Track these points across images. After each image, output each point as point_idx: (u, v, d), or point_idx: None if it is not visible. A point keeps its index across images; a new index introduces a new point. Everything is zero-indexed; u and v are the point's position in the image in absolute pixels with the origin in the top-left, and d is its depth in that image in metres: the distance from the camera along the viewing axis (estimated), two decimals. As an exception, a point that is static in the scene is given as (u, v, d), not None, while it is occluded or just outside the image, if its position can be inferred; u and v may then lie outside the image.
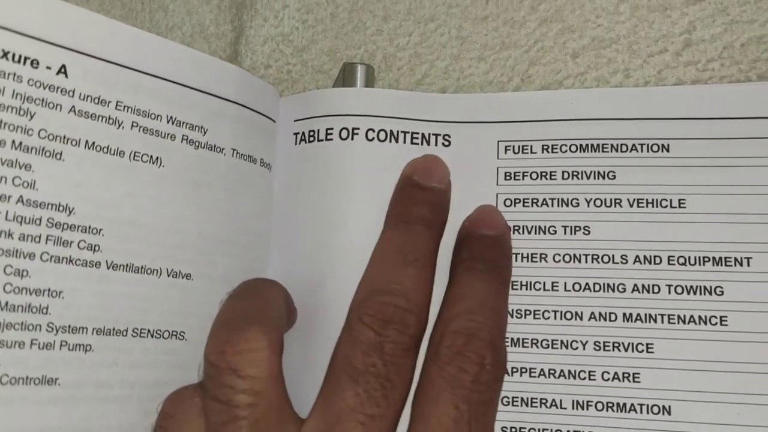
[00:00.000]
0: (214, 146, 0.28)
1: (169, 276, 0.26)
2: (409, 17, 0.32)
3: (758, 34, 0.29)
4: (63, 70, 0.24)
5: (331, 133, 0.29)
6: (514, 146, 0.28)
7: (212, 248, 0.27)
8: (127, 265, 0.25)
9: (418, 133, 0.28)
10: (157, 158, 0.26)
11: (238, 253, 0.28)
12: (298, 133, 0.30)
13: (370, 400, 0.22)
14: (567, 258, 0.27)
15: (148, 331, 0.25)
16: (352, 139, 0.28)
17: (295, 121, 0.30)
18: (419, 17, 0.32)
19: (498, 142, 0.28)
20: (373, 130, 0.28)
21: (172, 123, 0.27)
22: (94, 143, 0.25)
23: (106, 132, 0.25)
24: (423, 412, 0.22)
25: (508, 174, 0.28)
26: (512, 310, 0.27)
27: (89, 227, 0.24)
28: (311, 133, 0.29)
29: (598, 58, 0.30)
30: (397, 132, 0.28)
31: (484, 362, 0.22)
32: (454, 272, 0.26)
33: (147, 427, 0.25)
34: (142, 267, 0.25)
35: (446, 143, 0.28)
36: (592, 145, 0.28)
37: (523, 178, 0.28)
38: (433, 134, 0.28)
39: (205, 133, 0.27)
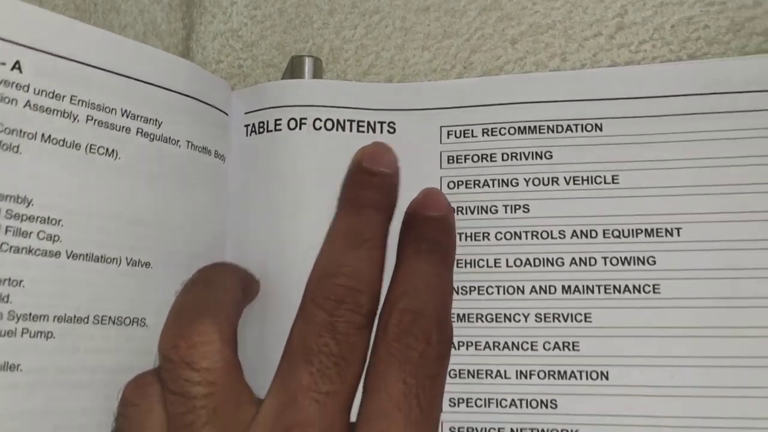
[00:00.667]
0: (169, 138, 0.29)
1: (128, 264, 0.27)
2: (354, 10, 0.33)
3: (687, 15, 0.30)
4: (17, 66, 0.25)
5: (279, 124, 0.30)
6: (455, 131, 0.29)
7: (170, 237, 0.28)
8: (86, 255, 0.26)
9: (363, 122, 0.29)
10: (113, 150, 0.27)
11: (195, 242, 0.29)
12: (249, 125, 0.31)
13: (324, 378, 0.22)
14: (508, 236, 0.28)
15: (109, 318, 0.26)
16: (300, 129, 0.30)
17: (245, 113, 0.31)
18: (364, 10, 0.33)
19: (441, 127, 0.29)
20: (320, 120, 0.30)
21: (127, 116, 0.27)
22: (50, 136, 0.26)
23: (61, 125, 0.26)
24: (373, 386, 0.23)
25: (450, 157, 0.29)
26: (457, 286, 0.28)
27: (48, 218, 0.25)
28: (261, 125, 0.30)
29: (536, 44, 0.31)
30: (344, 121, 0.29)
31: (431, 339, 0.23)
32: (401, 254, 0.26)
33: (109, 411, 0.26)
34: (101, 256, 0.26)
35: (391, 130, 0.29)
36: (530, 127, 0.29)
37: (465, 161, 0.29)
38: (378, 122, 0.29)
39: (159, 125, 0.28)
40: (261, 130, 0.30)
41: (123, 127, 0.27)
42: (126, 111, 0.27)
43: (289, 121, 0.30)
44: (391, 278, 0.26)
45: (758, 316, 0.26)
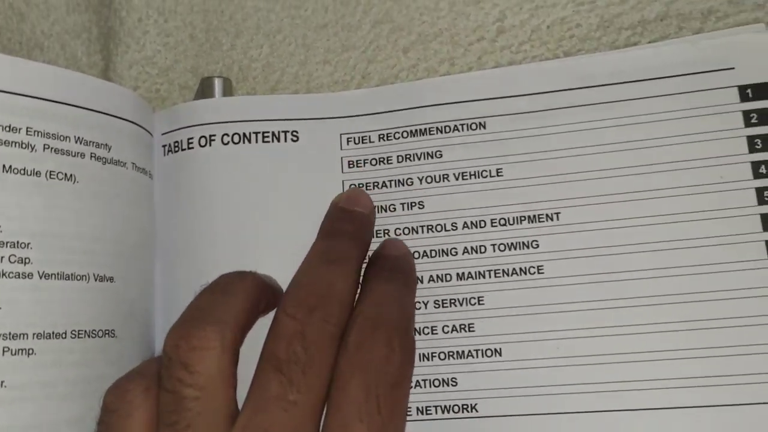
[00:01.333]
0: (118, 161, 0.31)
1: (96, 280, 0.29)
2: (258, 31, 0.36)
3: (560, 16, 0.33)
4: (-27, 104, 0.27)
5: (191, 142, 0.32)
6: (354, 138, 0.32)
7: (128, 253, 0.30)
8: (57, 274, 0.28)
9: (268, 132, 0.32)
10: (71, 175, 0.29)
11: (147, 257, 0.32)
12: (166, 145, 0.33)
13: (293, 387, 0.23)
14: (406, 231, 0.31)
15: (85, 331, 0.28)
16: (210, 145, 0.32)
17: (162, 134, 0.33)
18: (268, 30, 0.36)
19: (341, 135, 0.32)
20: (228, 135, 0.32)
21: (80, 143, 0.30)
22: (11, 167, 0.28)
23: (20, 156, 0.28)
24: (336, 399, 0.23)
25: (351, 162, 0.32)
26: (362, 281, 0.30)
27: (17, 242, 0.27)
28: (176, 144, 0.33)
29: (426, 51, 0.34)
30: (249, 133, 0.32)
31: (393, 344, 0.23)
32: (364, 283, 0.27)
33: (93, 419, 0.27)
34: (71, 274, 0.28)
35: (294, 138, 0.32)
36: (421, 130, 0.31)
37: (364, 165, 0.31)
38: (282, 131, 0.32)
39: (109, 149, 0.30)
40: (176, 149, 0.33)
41: (78, 153, 0.29)
42: (78, 138, 0.30)
43: (199, 138, 0.32)
44: (355, 302, 0.26)
45: (632, 288, 0.29)
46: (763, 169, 0.29)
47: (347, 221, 0.28)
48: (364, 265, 0.28)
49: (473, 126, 0.31)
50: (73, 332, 0.28)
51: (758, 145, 0.29)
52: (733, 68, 0.30)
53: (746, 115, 0.29)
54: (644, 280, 0.29)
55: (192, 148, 0.32)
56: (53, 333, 0.27)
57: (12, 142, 0.28)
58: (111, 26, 0.37)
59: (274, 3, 0.36)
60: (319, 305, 0.24)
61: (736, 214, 0.29)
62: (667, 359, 0.28)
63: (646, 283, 0.29)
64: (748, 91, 0.29)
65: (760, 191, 0.29)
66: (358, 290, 0.27)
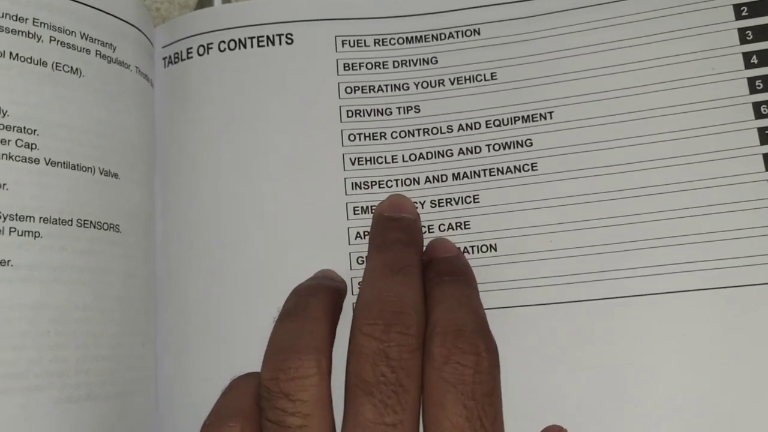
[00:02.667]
0: (123, 62, 0.31)
1: (101, 174, 0.30)
2: (258, -48, 0.36)
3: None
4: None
5: (191, 52, 0.33)
6: (350, 41, 0.32)
7: (131, 154, 0.31)
8: (63, 163, 0.28)
9: (263, 36, 0.33)
10: (77, 69, 0.30)
11: (149, 161, 0.32)
12: (166, 57, 0.34)
13: (387, 409, 0.23)
14: (402, 134, 0.31)
15: (91, 222, 0.29)
16: (208, 53, 0.33)
17: (162, 47, 0.34)
18: (267, -49, 0.36)
19: (335, 37, 0.32)
20: (224, 42, 0.33)
21: (86, 39, 0.30)
22: (18, 54, 0.28)
23: (27, 45, 0.28)
24: (434, 417, 0.23)
25: (346, 65, 0.32)
26: (360, 182, 0.31)
27: (24, 128, 0.28)
28: (175, 55, 0.33)
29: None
30: (245, 39, 0.33)
31: (479, 351, 0.23)
32: (426, 292, 0.26)
33: (101, 309, 0.28)
34: (77, 164, 0.29)
35: (289, 41, 0.32)
36: (416, 37, 0.32)
37: (359, 69, 0.32)
38: (277, 35, 0.32)
39: (114, 50, 0.31)
40: (176, 60, 0.33)
41: (83, 48, 0.30)
42: (84, 34, 0.30)
43: (198, 48, 0.33)
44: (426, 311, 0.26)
45: (623, 181, 0.29)
46: (754, 60, 0.30)
47: (398, 230, 0.28)
48: None
49: (467, 32, 0.32)
50: (79, 221, 0.28)
51: (749, 37, 0.30)
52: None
53: (737, 8, 0.30)
54: (634, 172, 0.29)
55: (191, 57, 0.33)
56: (59, 219, 0.28)
57: (19, 30, 0.28)
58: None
59: (272, -75, 0.36)
60: (394, 319, 0.24)
61: (729, 104, 0.29)
62: (657, 246, 0.29)
63: (636, 175, 0.29)
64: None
65: (751, 81, 0.30)
66: None
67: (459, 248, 0.29)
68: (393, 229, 0.28)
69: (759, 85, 0.29)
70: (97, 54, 0.30)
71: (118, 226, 0.30)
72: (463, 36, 0.32)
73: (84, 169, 0.29)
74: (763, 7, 0.30)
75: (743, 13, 0.30)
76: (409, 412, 0.23)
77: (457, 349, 0.23)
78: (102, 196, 0.29)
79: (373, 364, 0.23)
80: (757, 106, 0.29)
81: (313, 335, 0.25)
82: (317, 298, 0.27)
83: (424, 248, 0.29)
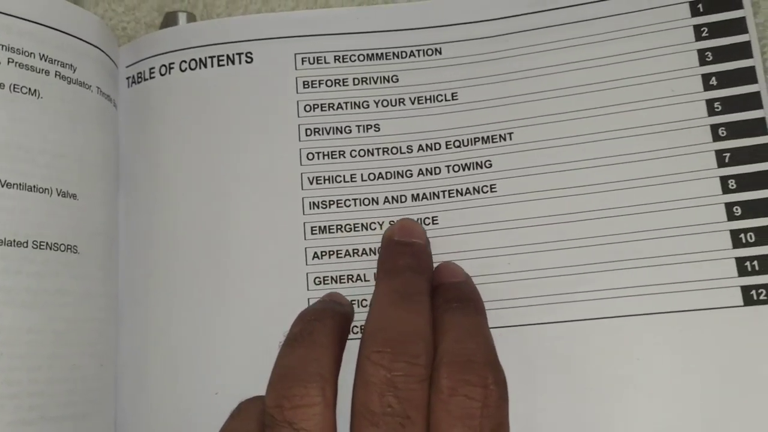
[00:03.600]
0: (83, 83, 0.31)
1: (58, 195, 0.29)
2: (223, -31, 0.36)
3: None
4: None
5: (153, 72, 0.33)
6: (309, 58, 0.32)
7: (91, 173, 0.31)
8: (20, 184, 0.28)
9: (223, 56, 0.32)
10: (35, 90, 0.29)
11: (111, 180, 0.32)
12: (129, 77, 0.33)
13: None
14: (362, 153, 0.31)
15: (47, 244, 0.28)
16: (170, 73, 0.32)
17: (126, 67, 0.34)
18: (232, -32, 0.36)
19: (295, 54, 0.32)
20: (186, 62, 0.32)
21: (45, 60, 0.30)
22: None
23: None
24: None
25: (306, 83, 0.32)
26: (318, 201, 0.31)
27: None
28: (138, 75, 0.33)
29: (386, -15, 0.34)
30: (205, 58, 0.32)
31: (488, 383, 0.23)
32: (435, 318, 0.26)
33: (54, 332, 0.28)
34: (34, 186, 0.28)
35: (249, 60, 0.32)
36: (377, 54, 0.32)
37: (319, 86, 0.32)
38: (237, 53, 0.32)
39: (74, 70, 0.31)
40: (139, 80, 0.33)
41: (42, 70, 0.30)
42: (44, 55, 0.30)
43: (160, 67, 0.33)
44: (434, 338, 0.25)
45: (581, 203, 0.29)
46: (713, 81, 0.29)
47: (408, 255, 0.28)
48: None
49: (429, 51, 0.31)
50: (35, 243, 0.28)
51: (709, 58, 0.29)
52: (685, -17, 0.30)
53: (697, 29, 0.30)
54: (593, 194, 0.29)
55: (153, 77, 0.33)
56: (14, 241, 0.28)
57: None
58: (79, -34, 0.37)
59: (238, -58, 0.36)
60: (402, 349, 0.23)
61: (687, 126, 0.29)
62: (616, 269, 0.28)
63: (595, 197, 0.29)
64: (699, 5, 0.30)
65: (710, 103, 0.29)
66: None
67: (467, 273, 0.28)
68: (403, 255, 0.28)
69: (717, 107, 0.29)
70: (56, 75, 0.30)
71: (76, 247, 0.29)
72: (424, 55, 0.31)
73: (41, 190, 0.29)
74: (724, 28, 0.30)
75: (703, 34, 0.30)
76: None
77: (464, 382, 0.23)
78: (59, 218, 0.29)
79: (380, 395, 0.23)
80: (715, 128, 0.29)
81: (319, 363, 0.24)
82: (323, 323, 0.26)
83: (437, 271, 0.28)
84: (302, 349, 0.25)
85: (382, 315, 0.25)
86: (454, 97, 0.31)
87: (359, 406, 0.23)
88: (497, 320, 0.29)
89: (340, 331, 0.26)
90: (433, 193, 0.30)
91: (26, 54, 0.29)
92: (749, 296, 0.27)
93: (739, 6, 0.30)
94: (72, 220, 0.29)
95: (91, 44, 0.32)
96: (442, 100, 0.31)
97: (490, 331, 0.26)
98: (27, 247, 0.28)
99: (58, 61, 0.30)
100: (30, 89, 0.29)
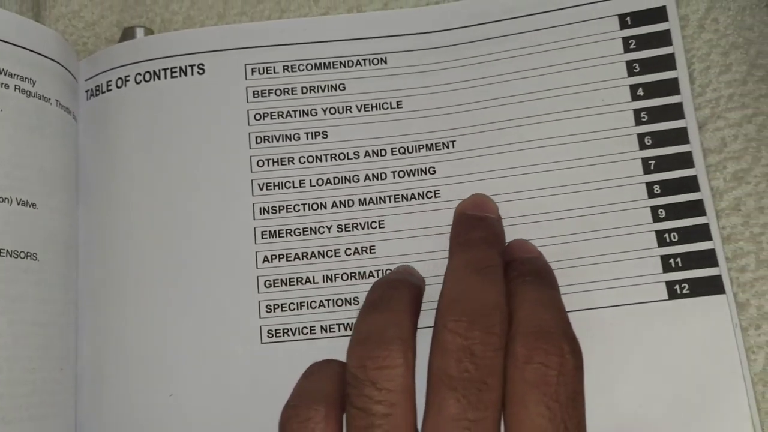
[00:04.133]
0: (43, 96, 0.32)
1: (18, 204, 0.30)
2: (180, -15, 0.37)
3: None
4: None
5: (110, 85, 0.34)
6: (259, 68, 0.33)
7: (51, 183, 0.31)
8: None
9: (176, 67, 0.33)
10: None
11: (70, 190, 0.33)
12: (88, 90, 0.34)
13: (470, 406, 0.23)
14: (310, 159, 0.32)
15: (7, 251, 0.29)
16: (125, 86, 0.33)
17: (85, 80, 0.35)
18: (189, -16, 0.37)
19: (245, 65, 0.33)
20: (140, 74, 0.33)
21: (5, 74, 0.31)
22: None
23: None
24: (515, 417, 0.23)
25: (256, 92, 0.33)
26: (268, 207, 0.32)
27: None
28: (96, 88, 0.34)
29: (335, 1, 0.35)
30: (159, 70, 0.33)
31: (564, 352, 0.23)
32: (509, 291, 0.26)
33: (14, 335, 0.28)
34: None
35: (201, 71, 0.33)
36: (325, 63, 0.33)
37: (269, 95, 0.33)
38: (189, 65, 0.33)
39: (34, 84, 0.31)
40: (97, 92, 0.34)
41: (2, 84, 0.30)
42: (4, 70, 0.31)
43: (116, 80, 0.33)
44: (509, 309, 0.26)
45: (520, 207, 0.30)
46: (640, 92, 0.31)
47: (481, 229, 0.28)
48: None
49: (374, 61, 0.33)
50: None
51: (636, 69, 0.31)
52: (614, -2, 0.31)
53: (626, 41, 0.31)
54: (530, 199, 0.30)
55: (110, 90, 0.33)
56: None
57: None
58: (40, -17, 0.38)
59: (194, -41, 0.37)
60: (479, 317, 0.24)
61: (616, 135, 0.30)
62: (554, 269, 0.29)
63: (533, 202, 0.30)
64: (628, 18, 0.31)
65: (637, 113, 0.30)
66: None
67: (539, 251, 0.29)
68: (476, 228, 0.28)
69: (644, 117, 0.30)
70: (16, 89, 0.31)
71: (35, 254, 0.30)
72: (370, 64, 0.33)
73: (0, 199, 0.29)
74: (651, 40, 0.31)
75: (631, 46, 0.31)
76: (491, 411, 0.23)
77: (541, 350, 0.23)
78: (18, 226, 0.30)
79: (458, 360, 0.23)
80: (641, 137, 0.30)
81: (399, 327, 0.25)
82: (400, 291, 0.27)
83: (511, 245, 0.29)
84: (382, 314, 0.26)
85: (457, 286, 0.26)
86: (399, 105, 0.32)
87: (437, 370, 0.24)
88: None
89: (415, 300, 0.27)
90: (380, 198, 0.31)
91: None
92: (673, 291, 0.29)
93: (665, 19, 0.31)
94: (31, 229, 0.30)
95: (50, 59, 0.32)
96: (387, 108, 0.32)
97: (564, 306, 0.26)
98: None
99: (18, 76, 0.31)
100: None
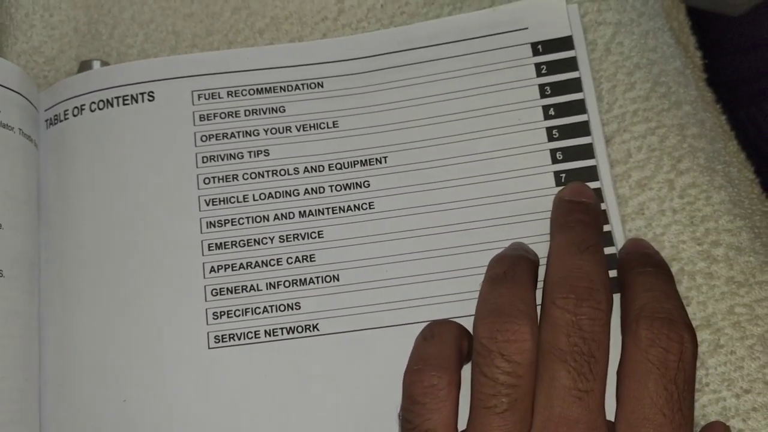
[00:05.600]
0: (6, 125, 0.33)
1: None
2: (133, 22, 0.39)
3: (394, -5, 0.37)
4: None
5: (67, 114, 0.35)
6: (205, 94, 0.35)
7: (15, 206, 0.33)
8: None
9: (128, 95, 0.35)
10: None
11: (33, 213, 0.34)
12: (48, 119, 0.36)
13: (581, 377, 0.24)
14: (253, 176, 0.34)
15: None
16: (81, 114, 0.35)
17: (45, 110, 0.36)
18: (141, 21, 0.39)
19: (192, 91, 0.35)
20: (95, 102, 0.35)
21: None
22: None
23: None
24: (633, 392, 0.24)
25: (202, 116, 0.34)
26: (214, 221, 0.33)
27: None
28: (55, 117, 0.36)
29: (279, 32, 0.37)
30: (112, 98, 0.35)
31: (684, 341, 0.24)
32: (627, 277, 0.27)
33: None
34: None
35: (151, 98, 0.35)
36: (266, 88, 0.35)
37: (214, 118, 0.34)
38: (140, 93, 0.35)
39: None
40: (55, 121, 0.35)
41: None
42: None
43: (72, 109, 0.35)
44: (621, 297, 0.27)
45: (444, 217, 0.32)
46: (552, 112, 0.33)
47: (581, 212, 0.29)
48: None
49: (312, 85, 0.35)
50: None
51: (547, 92, 0.33)
52: (527, 28, 0.34)
53: (537, 66, 0.33)
54: (455, 209, 0.32)
55: (68, 118, 0.35)
56: None
57: None
58: (2, 22, 0.40)
59: (147, -4, 0.39)
60: (586, 295, 0.25)
61: (531, 151, 0.33)
62: (475, 274, 0.31)
63: (457, 212, 0.32)
64: (539, 46, 0.34)
65: (549, 130, 0.33)
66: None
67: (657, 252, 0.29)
68: (576, 212, 0.29)
69: (555, 134, 0.33)
70: None
71: (1, 271, 0.31)
72: (308, 88, 0.35)
73: None
74: (559, 66, 0.33)
75: (543, 71, 0.34)
76: (599, 382, 0.24)
77: (663, 335, 0.24)
78: None
79: (567, 335, 0.24)
80: (553, 152, 0.33)
81: (526, 303, 0.26)
82: (522, 267, 0.28)
83: (622, 245, 0.29)
84: (508, 288, 0.27)
85: (563, 264, 0.26)
86: (335, 125, 0.34)
87: (547, 344, 0.25)
88: (377, 322, 0.31)
89: (536, 277, 0.28)
90: (319, 210, 0.33)
91: None
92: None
93: (571, 47, 0.34)
94: None
95: (13, 90, 0.34)
96: (324, 127, 0.34)
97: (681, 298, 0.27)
98: None
99: None
100: None
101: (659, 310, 0.25)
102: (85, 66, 0.37)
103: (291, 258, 0.32)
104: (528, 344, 0.25)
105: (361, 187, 0.33)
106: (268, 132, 0.34)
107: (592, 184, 0.31)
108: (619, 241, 0.31)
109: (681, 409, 0.23)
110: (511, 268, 0.28)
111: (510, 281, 0.27)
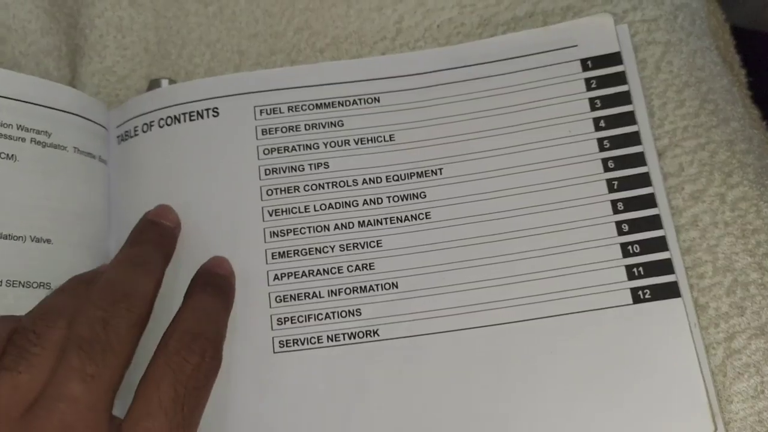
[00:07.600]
0: (58, 145, 0.34)
1: (32, 241, 0.32)
2: (201, 42, 0.40)
3: (448, 17, 0.37)
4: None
5: (137, 130, 0.36)
6: (266, 109, 0.35)
7: (66, 220, 0.33)
8: None
9: (194, 111, 0.35)
10: (12, 155, 0.32)
11: (86, 224, 0.34)
12: (119, 135, 0.37)
13: (90, 361, 0.25)
14: (314, 187, 0.34)
15: (20, 282, 0.31)
16: (150, 130, 0.36)
17: (116, 126, 0.37)
18: (208, 41, 0.40)
19: (254, 107, 0.35)
20: (163, 119, 0.36)
21: (21, 129, 0.33)
22: None
23: None
24: (146, 391, 0.25)
25: (264, 130, 0.35)
26: (278, 230, 0.34)
27: None
28: (125, 133, 0.36)
29: (339, 51, 0.38)
30: (178, 115, 0.35)
31: (205, 356, 0.26)
32: (189, 292, 0.30)
33: None
34: (8, 234, 0.31)
35: (215, 114, 0.35)
36: (325, 103, 0.35)
37: (276, 133, 0.35)
38: (205, 109, 0.35)
39: (49, 136, 0.34)
40: (126, 137, 0.36)
41: (19, 138, 0.33)
42: (20, 125, 0.33)
43: (142, 126, 0.36)
44: (179, 309, 0.29)
45: (499, 226, 0.32)
46: (602, 123, 0.33)
47: (153, 231, 0.31)
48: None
49: (369, 100, 0.35)
50: (8, 281, 0.31)
51: (597, 105, 0.33)
52: (576, 45, 0.34)
53: (587, 81, 0.33)
54: (510, 218, 0.32)
55: (137, 134, 0.36)
56: None
57: None
58: (77, 43, 0.41)
59: (213, 18, 0.40)
60: (123, 299, 0.26)
61: (582, 161, 0.32)
62: (532, 279, 0.31)
63: (512, 221, 0.32)
64: (589, 62, 0.34)
65: (600, 141, 0.33)
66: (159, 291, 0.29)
67: (233, 271, 0.31)
68: (149, 231, 0.31)
69: (606, 144, 0.33)
70: (32, 141, 0.33)
71: (49, 284, 0.32)
72: (365, 103, 0.35)
73: (15, 237, 0.31)
74: (608, 80, 0.34)
75: (593, 86, 0.33)
76: (109, 370, 0.25)
77: (188, 350, 0.26)
78: (33, 260, 0.32)
79: (91, 326, 0.26)
80: (605, 161, 0.32)
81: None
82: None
83: (208, 261, 0.31)
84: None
85: (113, 273, 0.28)
86: (392, 139, 0.34)
87: (73, 335, 0.26)
88: (434, 327, 0.31)
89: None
90: (377, 220, 0.33)
91: (3, 125, 0.33)
92: (637, 296, 0.30)
93: (619, 62, 0.34)
94: (45, 261, 0.32)
95: (67, 112, 0.35)
96: (381, 141, 0.34)
97: (227, 322, 0.29)
98: (1, 285, 0.31)
99: (33, 129, 0.33)
100: (7, 154, 0.32)
101: (195, 327, 0.27)
102: (153, 84, 0.38)
103: (351, 266, 0.32)
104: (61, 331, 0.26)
105: (417, 197, 0.33)
106: (328, 145, 0.34)
107: (645, 190, 0.32)
108: (673, 248, 0.31)
109: (183, 410, 0.25)
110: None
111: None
